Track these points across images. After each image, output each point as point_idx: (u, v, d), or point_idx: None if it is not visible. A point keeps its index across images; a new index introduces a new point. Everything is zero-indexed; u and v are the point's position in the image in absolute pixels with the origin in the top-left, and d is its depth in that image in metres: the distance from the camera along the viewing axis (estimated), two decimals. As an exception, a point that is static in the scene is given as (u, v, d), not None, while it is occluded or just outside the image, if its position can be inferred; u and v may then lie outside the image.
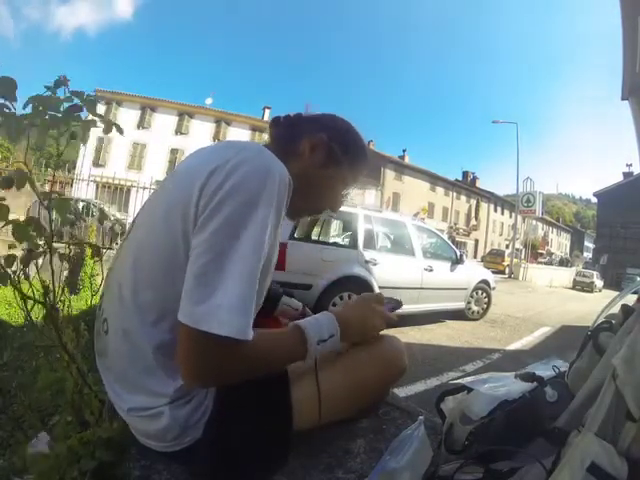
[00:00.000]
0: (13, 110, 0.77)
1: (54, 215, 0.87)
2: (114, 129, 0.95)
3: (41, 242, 0.88)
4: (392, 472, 0.61)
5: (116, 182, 8.11)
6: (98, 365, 0.72)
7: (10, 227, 0.81)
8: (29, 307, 0.87)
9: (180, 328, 0.52)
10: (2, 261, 0.82)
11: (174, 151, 22.80)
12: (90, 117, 0.90)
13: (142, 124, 22.68)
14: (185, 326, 0.50)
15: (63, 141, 0.88)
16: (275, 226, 0.58)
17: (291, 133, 0.76)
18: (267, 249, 0.56)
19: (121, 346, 0.63)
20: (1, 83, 0.73)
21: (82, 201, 7.96)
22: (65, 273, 1.02)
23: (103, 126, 0.92)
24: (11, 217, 0.82)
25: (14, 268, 0.85)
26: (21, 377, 1.51)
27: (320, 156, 0.73)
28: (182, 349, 0.53)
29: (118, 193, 8.46)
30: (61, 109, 0.83)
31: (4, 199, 0.81)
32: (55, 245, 0.90)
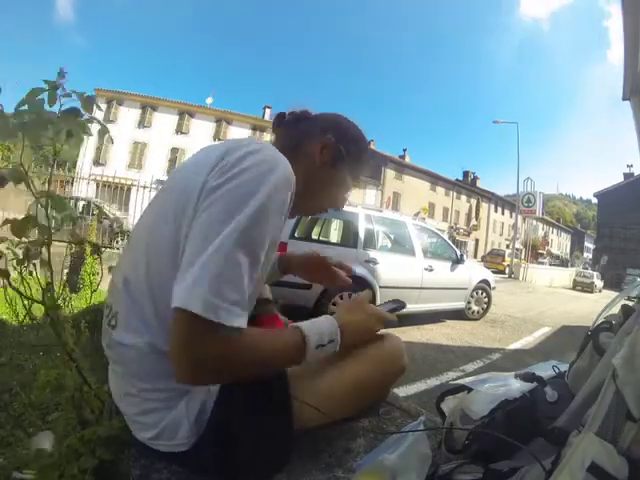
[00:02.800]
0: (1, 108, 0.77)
1: (53, 213, 0.87)
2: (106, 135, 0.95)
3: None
4: (382, 462, 0.62)
5: (116, 181, 8.11)
6: (109, 359, 0.72)
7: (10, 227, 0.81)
8: (29, 306, 0.87)
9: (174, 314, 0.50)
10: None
11: (174, 150, 22.80)
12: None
13: (142, 123, 22.67)
14: (181, 309, 0.48)
15: (59, 141, 0.88)
16: (276, 225, 0.58)
17: (298, 131, 0.78)
18: (268, 241, 0.56)
19: (130, 340, 0.62)
20: None
21: (82, 200, 7.96)
22: (65, 272, 1.02)
23: (99, 127, 0.92)
24: (12, 216, 0.82)
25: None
26: (21, 375, 1.51)
27: (328, 157, 0.75)
28: (173, 328, 0.50)
29: (119, 192, 8.47)
30: (58, 107, 0.83)
31: None
32: (56, 244, 0.90)
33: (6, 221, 0.81)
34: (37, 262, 0.91)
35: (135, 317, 0.62)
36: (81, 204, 7.92)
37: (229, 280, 0.50)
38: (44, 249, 0.89)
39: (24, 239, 0.86)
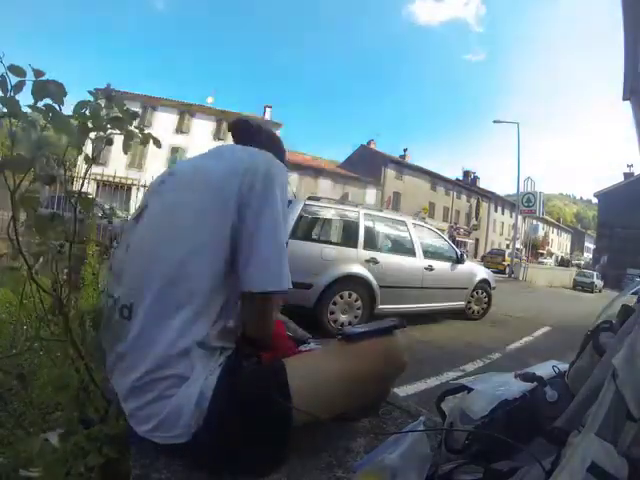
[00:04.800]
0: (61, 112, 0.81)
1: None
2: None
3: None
4: (382, 462, 0.62)
5: (117, 180, 8.12)
6: (108, 356, 0.74)
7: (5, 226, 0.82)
8: (36, 301, 0.88)
9: (248, 298, 0.72)
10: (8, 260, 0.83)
11: (175, 149, 22.78)
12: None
13: (143, 122, 22.64)
14: (254, 294, 0.69)
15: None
16: (286, 204, 0.79)
17: (259, 139, 0.95)
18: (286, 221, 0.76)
19: (148, 329, 0.67)
20: (51, 87, 0.77)
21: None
22: (65, 271, 1.03)
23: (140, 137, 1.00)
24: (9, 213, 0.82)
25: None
26: (21, 375, 1.51)
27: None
28: (259, 311, 0.74)
29: (119, 191, 8.47)
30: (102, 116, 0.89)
31: (38, 192, 0.83)
32: (56, 243, 0.90)
33: (31, 216, 0.82)
34: (43, 261, 0.91)
35: (165, 302, 0.67)
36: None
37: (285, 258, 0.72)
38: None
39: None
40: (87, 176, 1.07)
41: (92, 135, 0.90)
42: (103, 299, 0.80)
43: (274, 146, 0.95)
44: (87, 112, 0.84)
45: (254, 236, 0.70)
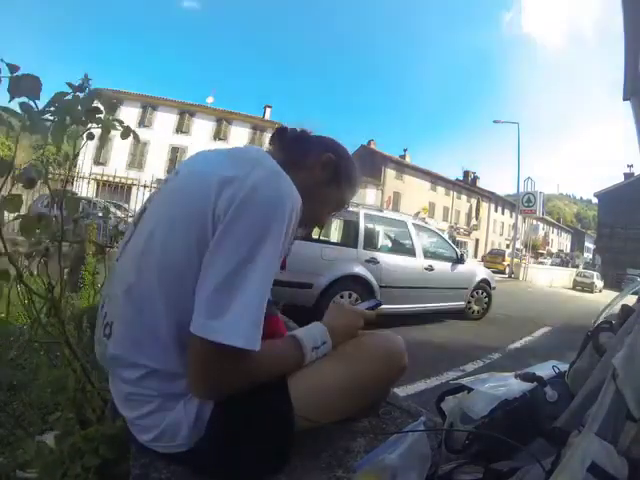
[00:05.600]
0: (36, 108, 0.78)
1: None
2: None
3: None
4: (382, 462, 0.62)
5: (117, 180, 8.11)
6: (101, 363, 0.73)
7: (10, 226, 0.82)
8: (31, 303, 0.87)
9: (192, 340, 0.55)
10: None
11: (175, 149, 22.75)
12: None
13: (143, 122, 22.61)
14: (199, 338, 0.53)
15: (66, 141, 0.89)
16: (283, 247, 0.61)
17: (299, 146, 0.81)
18: (274, 269, 0.60)
19: (124, 347, 0.64)
20: (26, 82, 0.73)
21: (84, 199, 7.95)
22: (66, 271, 1.02)
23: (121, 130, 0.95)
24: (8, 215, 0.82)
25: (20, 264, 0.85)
26: (21, 375, 1.51)
27: (327, 174, 0.80)
28: (196, 361, 0.57)
29: (119, 191, 8.47)
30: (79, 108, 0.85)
31: (20, 195, 0.81)
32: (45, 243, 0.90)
33: (17, 217, 0.81)
34: (36, 262, 0.91)
35: (136, 329, 0.63)
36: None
37: (258, 310, 0.57)
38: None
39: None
40: (68, 175, 1.05)
41: (68, 131, 0.86)
42: (99, 308, 0.76)
43: (341, 158, 0.82)
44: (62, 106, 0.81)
45: (209, 264, 0.57)
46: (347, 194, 0.86)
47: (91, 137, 0.89)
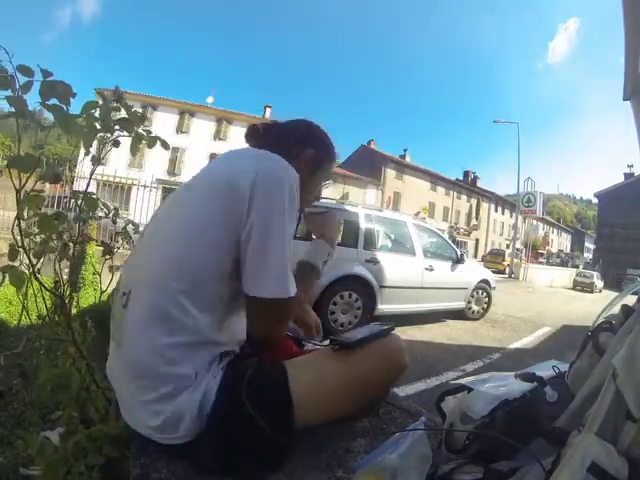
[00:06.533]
0: (68, 112, 0.81)
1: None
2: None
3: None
4: (382, 462, 0.62)
5: (117, 180, 8.10)
6: (111, 349, 0.74)
7: (9, 226, 0.82)
8: (39, 301, 0.88)
9: (252, 302, 0.69)
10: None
11: (175, 149, 22.74)
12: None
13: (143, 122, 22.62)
14: (260, 299, 0.67)
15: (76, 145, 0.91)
16: (291, 215, 0.72)
17: (276, 144, 0.84)
18: (290, 233, 0.71)
19: (142, 323, 0.66)
20: (59, 87, 0.77)
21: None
22: (66, 270, 1.03)
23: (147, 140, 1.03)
24: (12, 215, 0.83)
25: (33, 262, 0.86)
26: (22, 375, 1.51)
27: (310, 168, 0.88)
28: (265, 317, 0.72)
29: (119, 191, 8.45)
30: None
31: (43, 191, 0.83)
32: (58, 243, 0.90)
33: (35, 214, 0.82)
34: (43, 260, 0.91)
35: (161, 297, 0.65)
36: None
37: (286, 260, 0.69)
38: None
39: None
40: (92, 176, 1.07)
41: (98, 136, 0.90)
42: (114, 293, 0.80)
43: (320, 144, 0.91)
44: (97, 113, 0.85)
45: (259, 242, 0.67)
46: (330, 170, 0.97)
47: (117, 145, 0.96)
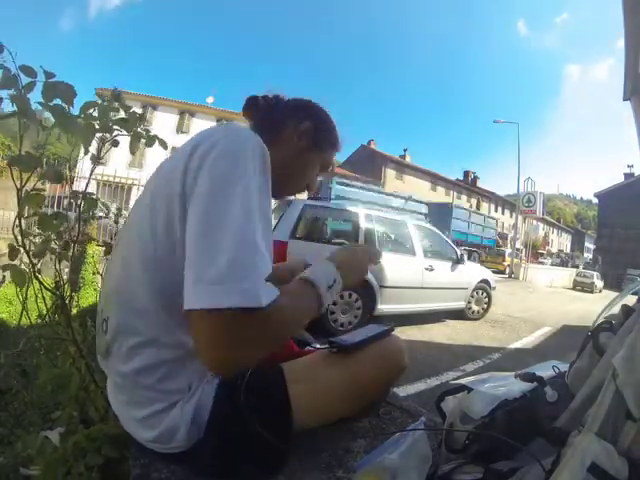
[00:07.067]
0: (69, 112, 0.82)
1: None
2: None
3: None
4: (382, 462, 0.62)
5: (117, 180, 8.10)
6: (101, 365, 0.73)
7: (9, 226, 0.83)
8: (38, 301, 0.88)
9: (189, 316, 0.47)
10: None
11: (175, 150, 22.62)
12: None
13: (143, 122, 22.62)
14: (193, 311, 0.46)
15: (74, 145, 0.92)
16: (263, 189, 0.56)
17: (273, 117, 0.80)
18: (262, 211, 0.53)
19: (122, 348, 0.63)
20: (62, 88, 0.78)
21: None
22: (66, 270, 1.03)
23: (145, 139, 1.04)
24: (12, 215, 0.83)
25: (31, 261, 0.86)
26: (22, 374, 1.51)
27: (306, 143, 0.79)
28: (199, 336, 0.47)
29: (119, 191, 8.45)
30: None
31: (43, 190, 0.83)
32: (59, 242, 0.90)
33: (35, 214, 0.83)
34: (43, 260, 0.91)
35: (129, 313, 0.62)
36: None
37: (253, 246, 0.49)
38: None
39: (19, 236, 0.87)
40: (92, 176, 1.07)
41: (97, 136, 0.91)
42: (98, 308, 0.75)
43: (319, 121, 0.81)
44: (95, 113, 0.85)
45: (199, 221, 0.50)
46: (330, 155, 0.86)
47: (116, 144, 0.95)
